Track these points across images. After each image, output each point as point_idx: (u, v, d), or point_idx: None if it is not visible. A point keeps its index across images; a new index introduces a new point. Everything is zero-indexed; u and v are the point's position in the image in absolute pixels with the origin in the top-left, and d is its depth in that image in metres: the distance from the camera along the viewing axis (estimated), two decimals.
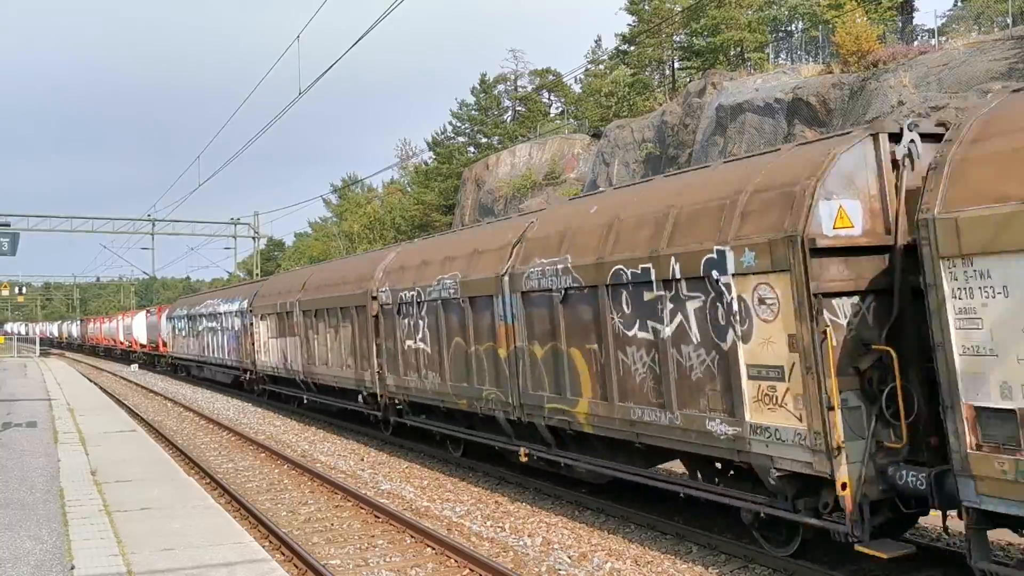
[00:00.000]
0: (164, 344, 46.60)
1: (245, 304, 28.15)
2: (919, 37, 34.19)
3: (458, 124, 65.12)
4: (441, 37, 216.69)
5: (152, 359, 53.42)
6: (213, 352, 33.55)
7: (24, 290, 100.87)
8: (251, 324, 26.94)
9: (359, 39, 16.89)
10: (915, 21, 37.15)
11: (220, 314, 31.92)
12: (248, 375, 28.24)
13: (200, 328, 35.81)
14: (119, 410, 24.59)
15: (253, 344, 26.68)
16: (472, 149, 63.14)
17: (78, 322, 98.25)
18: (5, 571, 7.89)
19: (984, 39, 25.64)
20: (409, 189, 69.20)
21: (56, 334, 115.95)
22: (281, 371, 23.98)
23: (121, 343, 63.69)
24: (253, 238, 64.56)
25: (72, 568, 7.95)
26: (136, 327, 56.15)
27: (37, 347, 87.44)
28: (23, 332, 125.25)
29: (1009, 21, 28.82)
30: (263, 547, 9.25)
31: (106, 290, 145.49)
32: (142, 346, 55.74)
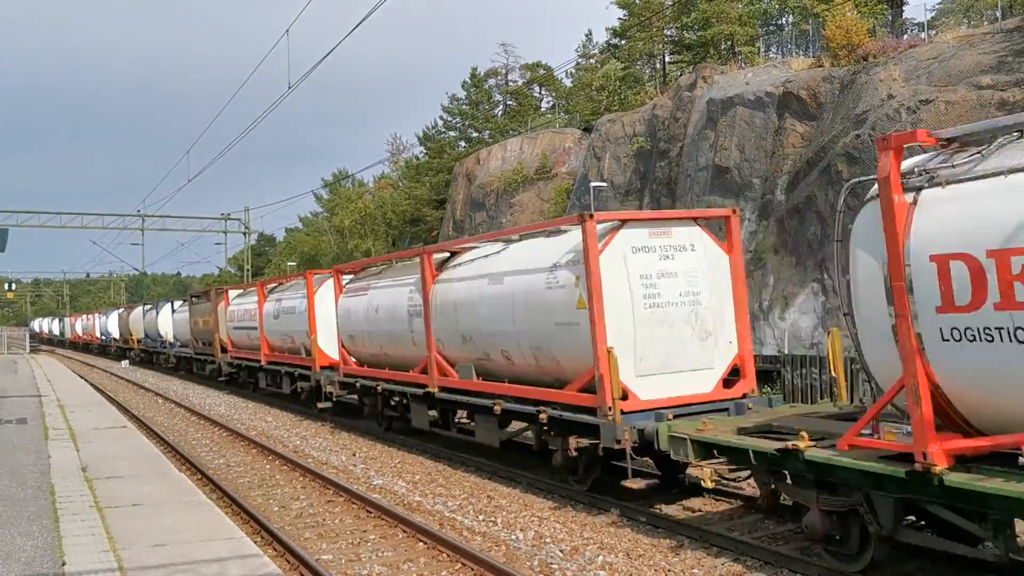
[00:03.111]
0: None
1: None
2: (909, 31, 34.24)
3: (449, 118, 64.99)
4: (432, 31, 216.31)
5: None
6: None
7: (14, 286, 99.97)
8: None
9: (348, 33, 16.85)
10: (905, 15, 37.18)
11: None
12: None
13: None
14: (110, 406, 24.46)
15: None
16: (463, 143, 63.00)
17: (171, 306, 45.07)
18: None
19: (973, 32, 25.70)
20: (400, 184, 69.02)
21: (116, 334, 62.37)
22: None
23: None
24: (244, 233, 64.40)
25: (63, 564, 7.93)
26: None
27: (27, 343, 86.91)
28: (57, 332, 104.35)
29: (998, 15, 28.88)
30: (255, 542, 9.23)
31: (96, 286, 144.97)
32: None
